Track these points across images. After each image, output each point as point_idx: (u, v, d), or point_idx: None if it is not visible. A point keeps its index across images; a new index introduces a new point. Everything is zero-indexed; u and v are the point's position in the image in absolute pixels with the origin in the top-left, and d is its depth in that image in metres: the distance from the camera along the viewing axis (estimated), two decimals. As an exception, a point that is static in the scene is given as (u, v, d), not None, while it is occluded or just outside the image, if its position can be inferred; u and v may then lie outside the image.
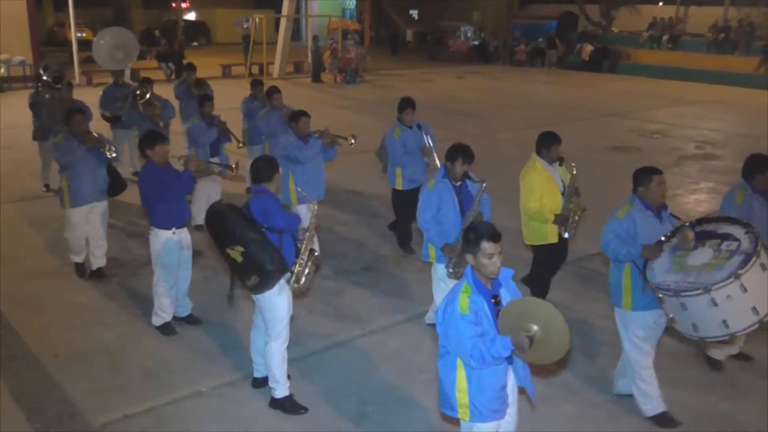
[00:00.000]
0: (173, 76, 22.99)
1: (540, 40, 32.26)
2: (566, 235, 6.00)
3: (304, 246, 4.95)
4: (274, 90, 9.08)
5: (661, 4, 36.23)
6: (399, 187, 7.73)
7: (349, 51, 25.38)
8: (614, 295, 4.93)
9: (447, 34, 37.13)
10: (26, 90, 12.98)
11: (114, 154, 7.08)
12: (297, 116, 7.04)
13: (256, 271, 4.59)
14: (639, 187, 4.78)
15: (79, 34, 24.01)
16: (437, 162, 7.33)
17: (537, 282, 6.47)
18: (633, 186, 4.84)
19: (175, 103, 10.37)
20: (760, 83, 24.52)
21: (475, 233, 3.54)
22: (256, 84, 10.02)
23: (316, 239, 5.01)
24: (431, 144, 7.64)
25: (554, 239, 6.05)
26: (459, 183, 5.48)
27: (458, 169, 5.39)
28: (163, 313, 5.99)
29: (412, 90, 22.43)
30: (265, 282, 4.64)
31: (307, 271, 4.96)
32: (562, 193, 5.97)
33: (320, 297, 6.80)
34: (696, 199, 10.58)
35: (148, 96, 9.42)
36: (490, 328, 3.51)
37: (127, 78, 11.35)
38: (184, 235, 5.95)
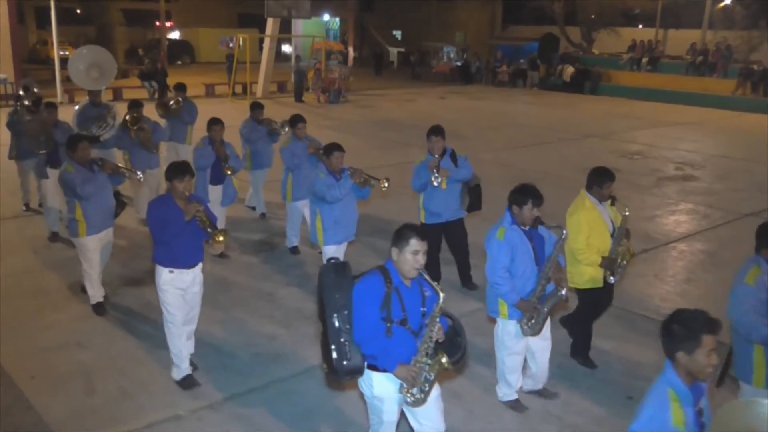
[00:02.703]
0: (156, 95, 22.96)
1: (522, 61, 32.64)
2: (612, 280, 5.60)
3: (423, 345, 3.80)
4: (299, 119, 8.46)
5: (640, 26, 36.83)
6: (422, 219, 7.25)
7: (333, 71, 25.49)
8: (740, 369, 4.40)
9: (430, 55, 37.47)
10: (8, 108, 12.82)
11: (140, 175, 7.07)
12: (330, 150, 6.52)
13: (325, 358, 3.83)
14: (764, 249, 4.25)
15: (61, 52, 23.91)
16: (439, 182, 6.84)
17: (578, 327, 6.00)
18: (756, 245, 4.37)
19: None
20: (738, 105, 24.96)
21: (690, 326, 2.90)
22: (256, 107, 9.73)
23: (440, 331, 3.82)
24: (445, 167, 6.94)
25: (600, 283, 5.63)
26: (528, 228, 4.95)
27: (527, 214, 4.84)
28: (180, 362, 5.45)
29: (396, 110, 22.62)
30: (330, 375, 3.90)
31: (425, 380, 3.83)
32: (612, 235, 5.57)
33: (300, 317, 6.78)
34: (675, 220, 10.68)
35: (138, 125, 9.22)
36: None
37: (103, 97, 11.11)
38: (188, 276, 5.37)
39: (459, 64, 34.79)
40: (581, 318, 5.94)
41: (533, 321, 4.92)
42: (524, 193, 4.85)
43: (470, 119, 21.02)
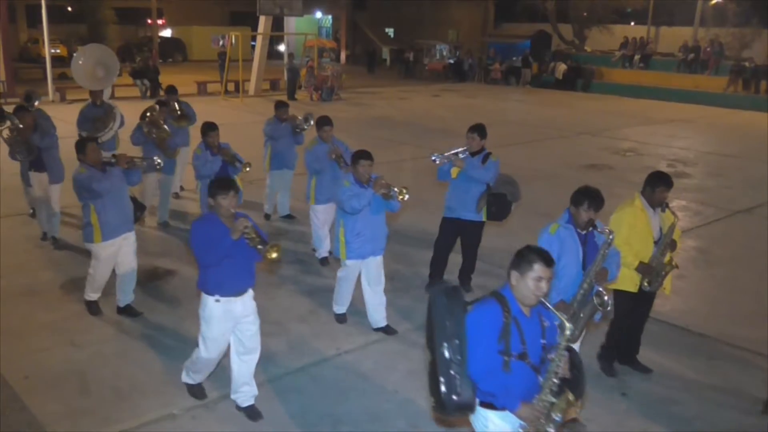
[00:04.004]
0: (148, 93, 22.91)
1: (514, 58, 32.70)
2: (647, 288, 5.46)
3: (547, 382, 3.39)
4: (325, 121, 7.96)
5: (632, 24, 36.96)
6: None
7: (325, 69, 25.47)
8: None
9: (423, 53, 37.51)
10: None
11: (159, 160, 6.96)
12: (356, 159, 6.11)
13: (433, 391, 3.44)
14: None
15: (53, 51, 23.83)
16: (439, 162, 6.80)
17: (610, 328, 5.79)
18: None
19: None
20: (729, 102, 25.10)
21: None
22: (280, 106, 9.53)
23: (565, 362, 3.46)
24: (471, 164, 6.85)
25: (632, 288, 5.47)
26: (584, 232, 4.86)
27: (583, 216, 4.79)
28: (195, 375, 5.27)
29: (389, 108, 22.61)
30: (437, 409, 3.48)
31: (551, 421, 3.39)
32: (656, 242, 5.44)
33: (293, 316, 6.78)
34: (667, 216, 10.71)
35: (156, 115, 9.08)
36: None
37: (107, 97, 10.91)
38: (237, 306, 4.87)
39: (452, 61, 34.85)
40: (615, 322, 5.78)
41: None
42: (582, 194, 4.86)
43: (463, 117, 20.92)
